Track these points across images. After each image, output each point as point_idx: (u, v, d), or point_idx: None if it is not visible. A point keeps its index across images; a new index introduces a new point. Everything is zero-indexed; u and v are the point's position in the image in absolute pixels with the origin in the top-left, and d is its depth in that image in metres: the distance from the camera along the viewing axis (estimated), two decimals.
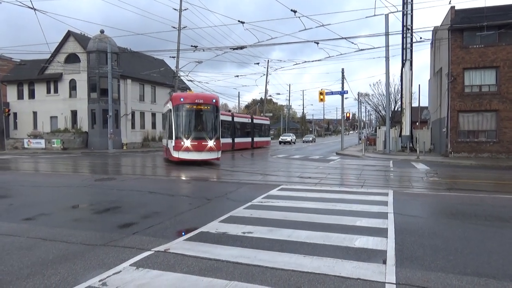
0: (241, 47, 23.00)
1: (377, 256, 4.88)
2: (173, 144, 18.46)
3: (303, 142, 60.30)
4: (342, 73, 36.29)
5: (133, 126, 40.39)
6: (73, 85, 37.96)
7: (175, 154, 18.54)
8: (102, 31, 35.65)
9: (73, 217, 7.36)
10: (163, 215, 7.37)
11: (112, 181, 12.92)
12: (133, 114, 40.24)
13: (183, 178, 14.63)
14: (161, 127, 30.73)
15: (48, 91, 39.20)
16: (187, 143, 18.33)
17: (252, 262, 4.60)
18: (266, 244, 5.37)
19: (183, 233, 5.98)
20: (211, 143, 18.79)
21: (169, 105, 19.42)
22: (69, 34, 37.55)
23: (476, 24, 22.65)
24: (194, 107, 18.88)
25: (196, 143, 18.48)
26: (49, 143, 34.53)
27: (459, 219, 7.15)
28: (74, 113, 38.06)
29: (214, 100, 19.56)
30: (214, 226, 6.40)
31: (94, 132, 35.42)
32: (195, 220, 6.88)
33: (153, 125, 43.61)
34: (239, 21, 20.44)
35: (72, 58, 37.40)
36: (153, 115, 43.44)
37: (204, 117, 19.24)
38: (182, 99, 18.84)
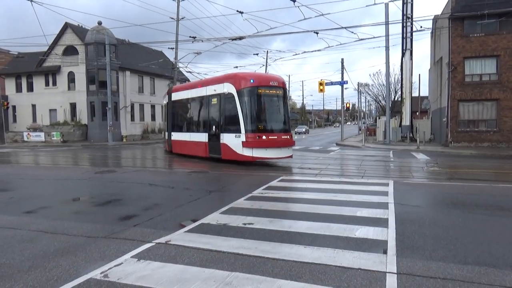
0: (240, 38, 22.83)
1: (378, 246, 4.89)
2: (244, 139, 14.06)
3: (295, 133, 56.25)
4: (342, 63, 36.13)
5: (132, 118, 40.29)
6: (71, 78, 37.79)
7: (247, 152, 14.12)
8: (99, 23, 35.39)
9: (74, 209, 7.37)
10: (163, 207, 7.37)
11: (112, 173, 12.92)
12: (132, 106, 40.11)
13: (183, 170, 14.63)
14: (161, 119, 28.72)
15: (47, 84, 39.04)
16: (264, 137, 14.18)
17: (253, 253, 4.61)
18: (267, 235, 5.37)
19: (184, 225, 5.99)
20: (289, 136, 15.09)
21: (225, 89, 15.07)
22: (66, 26, 37.29)
23: (477, 13, 22.48)
24: (268, 91, 14.86)
25: (275, 137, 14.45)
26: (49, 136, 34.48)
27: (459, 208, 7.16)
28: (73, 106, 37.95)
29: (283, 82, 15.63)
30: (214, 218, 6.41)
31: (93, 124, 35.35)
32: (195, 212, 6.89)
33: (153, 117, 43.51)
34: (238, 11, 20.28)
35: (70, 50, 37.17)
36: (153, 107, 43.32)
37: (278, 103, 15.23)
38: (252, 81, 14.56)
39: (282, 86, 15.24)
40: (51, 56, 37.26)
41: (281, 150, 14.58)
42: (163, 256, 4.54)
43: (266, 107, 14.99)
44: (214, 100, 15.97)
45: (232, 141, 14.64)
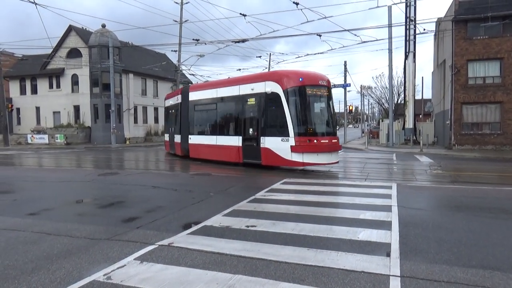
0: (243, 40, 22.86)
1: (381, 249, 4.87)
2: (293, 143, 12.75)
3: None
4: (345, 66, 36.13)
5: (135, 121, 40.39)
6: (75, 80, 37.95)
7: (297, 158, 12.80)
8: (103, 26, 35.56)
9: (77, 211, 7.38)
10: (166, 209, 7.38)
11: (115, 175, 12.95)
12: (135, 108, 40.23)
13: (186, 172, 14.65)
14: (163, 121, 27.24)
15: (51, 86, 39.23)
16: (315, 141, 12.88)
17: (256, 256, 4.60)
18: (270, 238, 5.37)
19: (186, 227, 5.99)
20: (337, 140, 13.83)
21: (268, 88, 13.65)
22: (70, 28, 37.49)
23: (480, 15, 22.43)
24: (317, 91, 13.58)
25: (326, 140, 13.19)
26: (52, 138, 34.61)
27: (463, 211, 7.12)
28: (76, 108, 38.10)
29: (329, 81, 14.42)
30: (217, 220, 6.40)
31: (97, 127, 35.48)
32: (198, 214, 6.89)
33: (156, 120, 43.60)
34: (241, 13, 20.31)
35: (74, 53, 37.35)
36: (156, 109, 43.42)
37: (327, 104, 14.01)
38: (301, 79, 13.24)
39: (328, 85, 14.10)
40: (55, 59, 37.46)
41: (331, 155, 13.33)
42: (166, 258, 4.54)
43: (315, 108, 13.73)
44: (251, 100, 14.44)
45: (277, 145, 13.22)
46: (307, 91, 13.31)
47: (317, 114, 13.82)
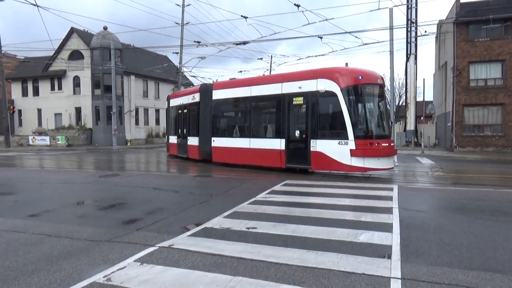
0: (244, 42, 22.92)
1: (382, 251, 4.85)
2: (353, 146, 11.69)
3: None
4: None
5: (137, 123, 40.47)
6: (77, 82, 38.06)
7: (357, 162, 11.72)
8: (105, 28, 35.67)
9: (77, 213, 7.38)
10: (167, 211, 7.37)
11: (116, 177, 12.96)
12: (136, 110, 40.31)
13: (187, 174, 14.65)
14: (166, 122, 25.01)
15: (52, 88, 39.34)
16: (377, 145, 11.85)
17: (256, 258, 4.58)
18: (270, 239, 5.35)
19: (187, 229, 5.98)
20: (393, 143, 12.92)
21: (321, 86, 12.41)
22: (72, 31, 37.62)
23: (481, 17, 22.44)
24: (376, 90, 12.63)
25: (386, 144, 12.19)
26: (54, 140, 34.69)
27: (464, 214, 7.10)
28: (78, 110, 38.19)
29: (383, 79, 13.36)
30: (218, 222, 6.39)
31: (98, 128, 35.55)
32: (199, 216, 6.88)
33: (157, 121, 43.68)
34: (242, 16, 20.37)
35: (75, 55, 37.47)
36: (157, 111, 43.49)
37: (383, 104, 13.12)
38: (360, 77, 12.25)
39: (384, 85, 13.20)
40: (57, 61, 37.58)
41: (390, 159, 12.37)
42: (166, 260, 4.53)
43: (374, 108, 12.72)
44: (298, 100, 13.12)
45: (333, 149, 12.05)
46: (367, 90, 12.36)
47: (376, 115, 12.75)
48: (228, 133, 16.19)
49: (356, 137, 11.69)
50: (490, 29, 23.08)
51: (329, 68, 13.10)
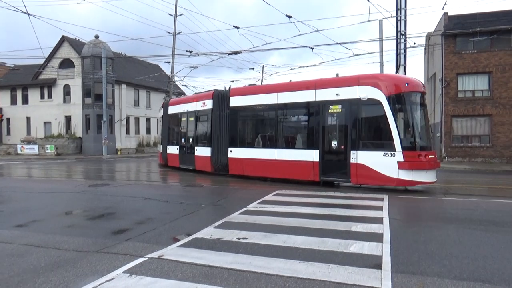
0: (236, 52, 23.03)
1: (373, 261, 4.85)
2: (400, 158, 10.94)
3: None
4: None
5: (127, 132, 40.24)
6: (67, 90, 37.80)
7: (405, 175, 10.99)
8: (97, 36, 35.61)
9: (65, 223, 7.27)
10: (157, 221, 7.30)
11: (106, 187, 12.82)
12: (127, 119, 40.10)
13: (178, 184, 14.56)
14: (157, 131, 24.16)
15: (42, 97, 39.00)
16: (425, 157, 11.17)
17: (246, 268, 4.55)
18: (261, 250, 5.32)
19: (177, 239, 5.92)
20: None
21: (363, 93, 11.59)
22: (63, 39, 37.47)
23: (469, 30, 22.90)
24: (420, 98, 11.94)
25: (433, 155, 11.55)
26: (43, 149, 34.27)
27: (454, 224, 7.15)
28: (68, 119, 37.86)
29: None
30: (208, 232, 6.35)
31: (88, 137, 35.23)
32: (189, 226, 6.82)
33: (148, 131, 43.48)
34: (234, 26, 20.50)
35: (66, 63, 37.28)
36: (148, 120, 43.32)
37: (426, 114, 12.33)
38: (407, 84, 11.58)
39: (426, 93, 12.54)
40: (47, 69, 37.32)
41: (434, 172, 11.60)
42: (155, 271, 4.47)
43: (419, 118, 11.92)
44: (335, 108, 12.21)
45: (378, 160, 11.27)
46: (412, 99, 11.70)
47: (421, 125, 11.97)
48: (249, 144, 14.89)
49: (403, 149, 10.97)
50: (477, 41, 23.57)
51: (372, 74, 12.57)
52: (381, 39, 26.11)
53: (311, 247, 5.45)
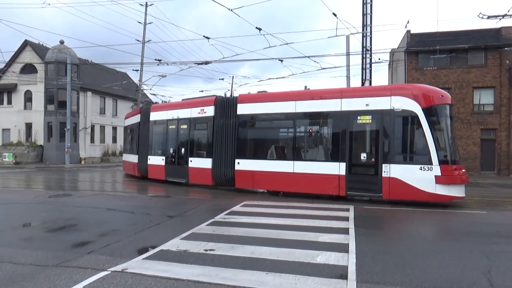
0: (206, 62, 23.02)
1: (339, 271, 4.92)
2: (438, 173, 10.50)
3: None
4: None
5: (92, 140, 39.06)
6: (28, 97, 36.27)
7: (442, 190, 10.54)
8: (62, 42, 34.56)
9: (23, 236, 6.92)
10: (121, 233, 7.09)
11: (68, 197, 12.33)
12: (92, 127, 38.96)
13: (144, 194, 14.23)
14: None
15: (1, 102, 37.21)
16: (459, 171, 11.01)
17: (213, 281, 4.49)
18: (228, 262, 5.27)
19: (142, 252, 5.76)
20: None
21: (397, 104, 11.08)
22: (26, 43, 36.07)
23: (429, 48, 24.01)
24: (451, 111, 11.64)
25: (464, 170, 11.36)
26: (0, 157, 32.61)
27: (417, 233, 7.38)
28: (29, 126, 36.26)
29: None
30: (175, 244, 6.22)
31: (50, 146, 33.87)
32: (155, 238, 6.67)
33: (114, 139, 42.38)
34: (204, 36, 20.51)
35: (28, 69, 35.84)
36: (114, 128, 42.26)
37: (454, 127, 12.01)
38: (441, 96, 11.34)
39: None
40: (7, 74, 35.74)
41: (464, 187, 11.16)
42: (118, 285, 4.33)
43: (452, 130, 11.60)
44: (365, 119, 11.59)
45: (413, 175, 10.74)
46: (445, 111, 11.35)
47: (452, 138, 11.61)
48: (261, 155, 13.67)
49: (440, 162, 10.57)
50: (437, 59, 24.73)
51: (406, 85, 12.04)
52: (348, 54, 26.88)
53: (279, 258, 5.46)
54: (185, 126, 16.37)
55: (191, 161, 15.71)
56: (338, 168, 11.85)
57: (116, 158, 39.59)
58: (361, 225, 7.89)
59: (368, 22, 21.00)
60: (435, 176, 10.53)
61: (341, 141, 11.95)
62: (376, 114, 11.42)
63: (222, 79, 51.55)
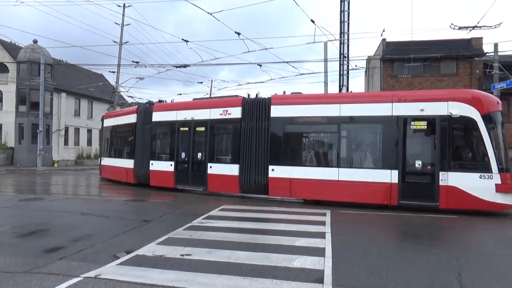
0: (185, 66, 22.88)
1: (315, 275, 4.96)
2: (498, 181, 10.19)
3: None
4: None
5: (66, 143, 38.05)
6: None
7: (502, 199, 10.22)
8: (35, 41, 33.58)
9: None
10: (95, 238, 6.92)
11: (39, 201, 11.95)
12: (66, 129, 37.97)
13: (120, 198, 13.95)
14: (102, 142, 19.90)
15: None
16: None
17: (189, 286, 4.45)
18: (205, 267, 5.23)
19: (116, 257, 5.64)
20: None
21: (454, 110, 10.68)
22: None
23: (404, 56, 24.68)
24: (502, 118, 11.33)
25: None
26: None
27: (392, 238, 7.54)
28: None
29: None
30: (150, 249, 6.13)
31: (21, 148, 32.79)
32: (130, 243, 6.54)
33: (89, 142, 41.40)
34: (183, 39, 20.41)
35: None
36: (89, 131, 41.31)
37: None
38: (498, 103, 11.15)
39: None
40: None
41: None
42: None
43: (504, 138, 11.16)
44: (420, 124, 11.15)
45: (473, 183, 10.34)
46: (500, 118, 11.03)
47: (505, 145, 11.18)
48: (299, 161, 12.88)
49: (499, 170, 10.26)
50: (412, 67, 25.45)
51: (464, 90, 11.68)
52: (326, 60, 27.28)
53: (255, 262, 5.46)
54: (202, 129, 14.79)
55: (210, 167, 14.20)
56: (389, 176, 11.27)
57: (90, 161, 38.66)
58: (337, 230, 7.99)
59: (346, 30, 21.39)
60: (495, 184, 10.22)
61: (392, 148, 11.41)
62: (432, 119, 10.97)
63: (201, 82, 51.48)
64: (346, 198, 11.80)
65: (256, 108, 13.52)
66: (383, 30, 27.86)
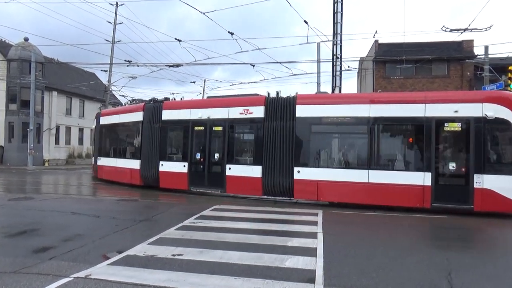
0: (177, 65, 22.80)
1: (307, 275, 4.97)
2: None
3: None
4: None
5: (57, 142, 37.70)
6: None
7: None
8: (26, 39, 33.22)
9: None
10: (86, 237, 6.87)
11: (29, 200, 11.82)
12: (57, 128, 37.62)
13: (111, 197, 13.85)
14: (90, 142, 18.88)
15: None
16: None
17: (181, 286, 4.44)
18: (197, 267, 5.22)
19: (107, 257, 5.60)
20: None
21: (489, 112, 10.58)
22: None
23: (396, 57, 24.85)
24: None
25: None
26: None
27: (383, 238, 7.58)
28: None
29: None
30: (142, 249, 6.09)
31: (11, 146, 32.41)
32: (121, 243, 6.50)
33: (80, 141, 41.07)
34: (176, 39, 20.31)
35: None
36: (81, 130, 40.98)
37: None
38: None
39: None
40: None
41: None
42: None
43: None
44: (453, 126, 10.97)
45: (508, 185, 10.30)
46: None
47: None
48: (326, 163, 12.51)
49: None
50: (404, 68, 25.62)
51: (498, 92, 11.86)
52: (318, 61, 27.37)
53: (247, 262, 5.46)
54: (219, 129, 14.13)
55: (229, 168, 13.58)
56: (422, 178, 11.07)
57: (82, 160, 38.35)
58: (329, 230, 8.02)
59: (339, 31, 21.47)
60: None
61: (425, 149, 11.22)
62: (466, 121, 10.83)
63: (194, 82, 51.07)
64: (377, 201, 11.54)
65: (280, 107, 13.08)
66: (376, 32, 27.99)
